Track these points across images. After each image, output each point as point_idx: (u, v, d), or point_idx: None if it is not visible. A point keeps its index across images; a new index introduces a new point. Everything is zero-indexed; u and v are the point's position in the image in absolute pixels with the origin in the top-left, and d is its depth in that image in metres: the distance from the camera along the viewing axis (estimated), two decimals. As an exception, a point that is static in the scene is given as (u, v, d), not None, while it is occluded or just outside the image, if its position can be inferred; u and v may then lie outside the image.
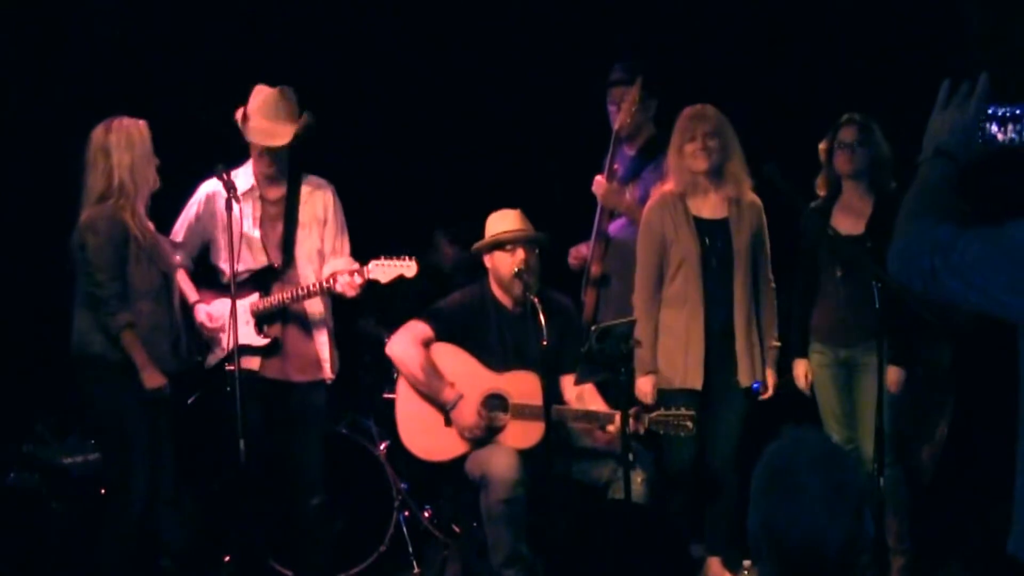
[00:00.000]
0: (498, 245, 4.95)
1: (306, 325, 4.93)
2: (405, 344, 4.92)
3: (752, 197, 5.03)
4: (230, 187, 4.66)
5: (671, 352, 4.92)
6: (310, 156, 5.12)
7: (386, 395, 5.64)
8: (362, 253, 4.96)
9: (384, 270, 4.77)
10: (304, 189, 4.97)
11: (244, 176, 4.92)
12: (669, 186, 5.03)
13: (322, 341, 4.95)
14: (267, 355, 4.87)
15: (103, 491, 4.95)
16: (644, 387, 4.90)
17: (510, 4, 6.47)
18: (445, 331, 4.95)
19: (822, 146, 4.98)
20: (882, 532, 4.75)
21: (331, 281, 4.78)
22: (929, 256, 2.22)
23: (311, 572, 5.00)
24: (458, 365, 4.92)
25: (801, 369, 5.03)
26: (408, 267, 4.79)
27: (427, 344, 4.92)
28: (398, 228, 6.19)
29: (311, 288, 4.82)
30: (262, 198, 4.94)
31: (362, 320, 6.05)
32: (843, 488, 2.05)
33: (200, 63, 6.07)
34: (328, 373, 4.96)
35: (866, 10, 6.00)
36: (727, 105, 5.14)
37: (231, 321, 4.59)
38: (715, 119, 4.93)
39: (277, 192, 4.95)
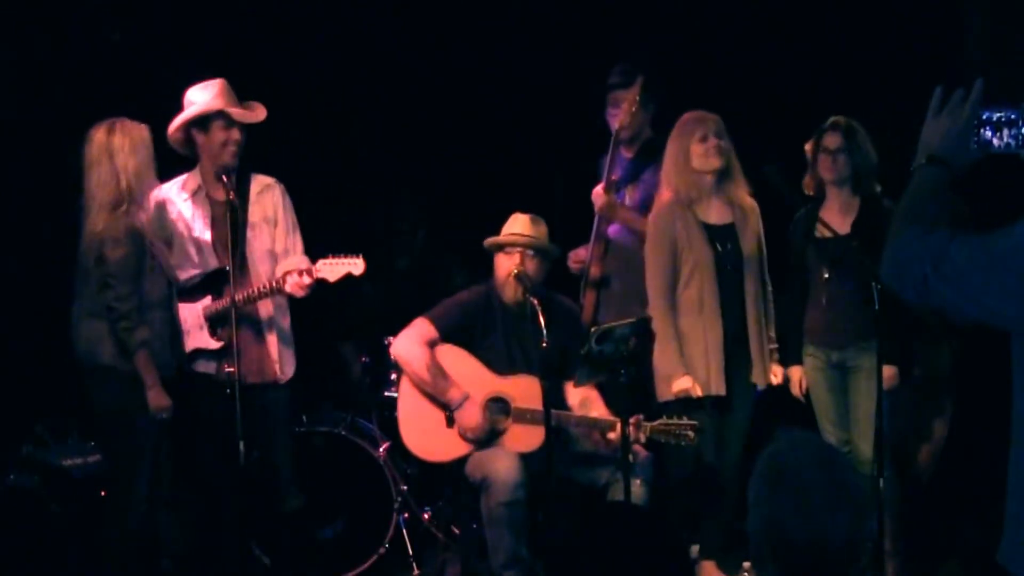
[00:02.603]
0: (499, 247, 4.95)
1: (258, 327, 4.88)
2: (410, 344, 4.91)
3: (750, 201, 5.03)
4: (230, 188, 4.66)
5: (692, 359, 4.90)
6: (307, 156, 5.13)
7: (387, 393, 5.64)
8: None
9: (332, 268, 4.72)
10: (253, 188, 4.93)
11: (191, 179, 4.89)
12: (666, 195, 5.02)
13: (272, 342, 4.90)
14: (221, 359, 4.81)
15: (103, 493, 4.95)
16: (685, 384, 4.84)
17: (510, 4, 6.46)
18: (450, 331, 4.94)
19: (808, 147, 4.97)
20: (880, 533, 4.75)
21: (281, 282, 4.74)
22: (920, 264, 2.22)
23: (289, 573, 4.99)
24: (461, 367, 4.91)
25: (796, 375, 5.03)
26: (355, 264, 4.74)
27: (431, 345, 4.92)
28: (395, 229, 6.21)
29: (261, 289, 4.77)
30: (210, 199, 4.90)
31: (341, 346, 6.05)
32: (845, 487, 2.06)
33: (200, 63, 6.06)
34: (279, 374, 4.90)
35: (866, 10, 6.00)
36: (727, 105, 5.13)
37: (231, 324, 4.62)
38: (719, 121, 4.93)
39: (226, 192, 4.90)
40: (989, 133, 2.30)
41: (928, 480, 5.23)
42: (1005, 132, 2.29)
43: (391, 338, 5.17)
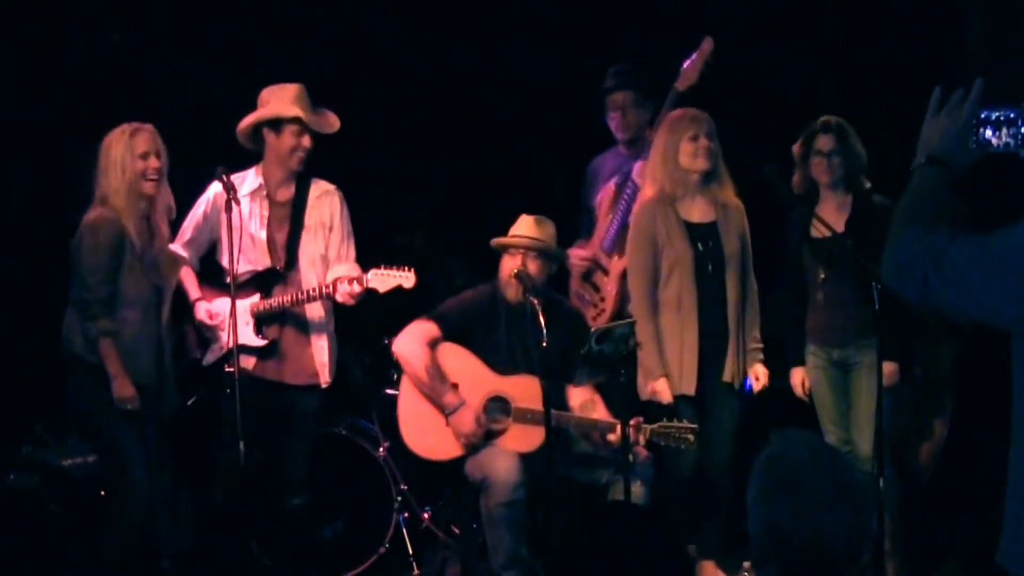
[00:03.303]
0: (504, 248, 4.96)
1: (304, 329, 4.93)
2: (411, 343, 4.92)
3: (736, 201, 5.04)
4: (230, 188, 4.67)
5: (668, 357, 4.91)
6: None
7: (388, 391, 5.64)
8: (361, 253, 4.96)
9: (383, 279, 4.78)
10: (312, 192, 4.98)
11: (252, 176, 4.92)
12: (649, 192, 5.01)
13: (320, 346, 4.94)
14: (263, 356, 4.87)
15: (103, 492, 4.95)
16: (659, 387, 4.86)
17: (510, 4, 6.46)
18: (452, 331, 4.94)
19: (796, 147, 4.97)
20: (880, 533, 4.75)
21: (331, 288, 4.78)
22: (921, 264, 2.22)
23: (289, 573, 5.00)
24: (463, 366, 4.91)
25: (798, 377, 5.03)
26: (406, 278, 4.79)
27: (434, 344, 4.92)
28: (395, 230, 6.21)
29: (311, 292, 4.82)
30: (270, 199, 4.94)
31: (342, 349, 6.05)
32: (843, 485, 2.07)
33: (200, 63, 6.07)
34: (325, 378, 4.96)
35: (866, 10, 6.00)
36: (727, 105, 5.13)
37: (231, 321, 4.60)
38: (711, 122, 4.94)
39: (286, 194, 4.95)
40: (988, 132, 2.30)
41: (928, 479, 5.23)
42: (1004, 131, 2.29)
43: (391, 338, 5.17)
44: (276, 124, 4.86)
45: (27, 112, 5.81)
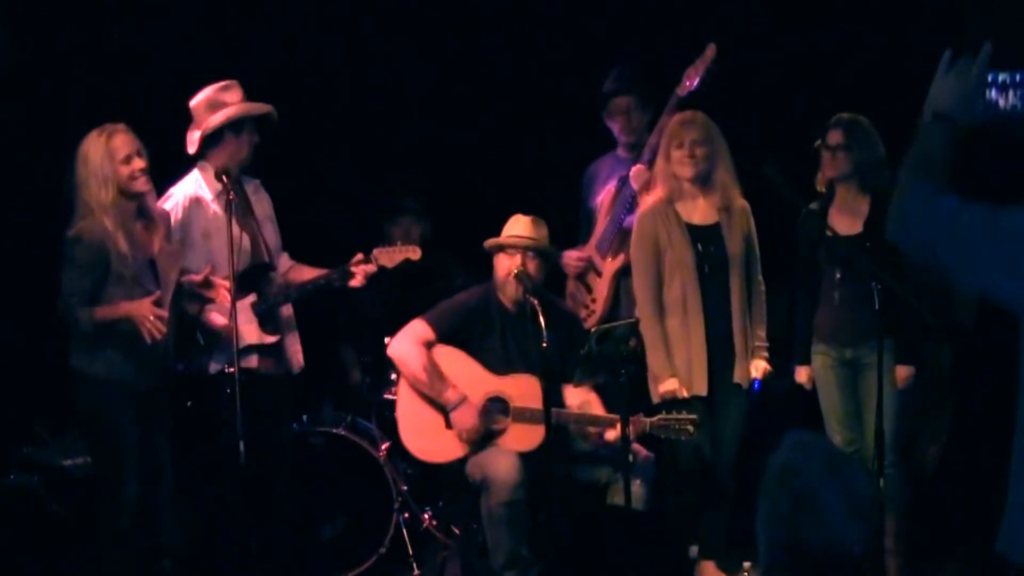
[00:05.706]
0: (500, 248, 4.96)
1: (288, 320, 4.99)
2: (407, 345, 4.92)
3: (741, 202, 5.05)
4: (229, 188, 4.66)
5: (676, 360, 4.93)
6: (306, 157, 5.11)
7: (386, 395, 5.64)
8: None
9: (390, 255, 4.86)
10: (248, 189, 5.00)
11: (209, 180, 4.86)
12: (657, 193, 5.04)
13: (295, 335, 5.00)
14: (265, 353, 4.86)
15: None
16: (672, 385, 4.88)
17: (511, 4, 6.46)
18: (447, 333, 4.95)
19: (817, 144, 4.99)
20: (881, 532, 4.75)
21: (346, 270, 4.83)
22: (928, 230, 2.22)
23: (289, 573, 5.00)
24: (459, 367, 4.92)
25: (804, 375, 5.03)
26: (414, 251, 4.89)
27: (429, 345, 4.92)
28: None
29: (325, 278, 4.87)
30: (231, 199, 4.93)
31: (341, 348, 6.06)
32: (860, 495, 2.09)
33: (199, 62, 6.06)
34: (300, 364, 5.02)
35: (867, 9, 6.00)
36: (727, 105, 5.13)
37: (232, 324, 4.59)
38: (704, 127, 4.96)
39: (234, 193, 4.90)
40: (995, 94, 2.31)
41: (931, 478, 5.23)
42: (1011, 93, 2.30)
43: (391, 338, 5.17)
44: (238, 124, 4.84)
45: (27, 111, 5.81)
